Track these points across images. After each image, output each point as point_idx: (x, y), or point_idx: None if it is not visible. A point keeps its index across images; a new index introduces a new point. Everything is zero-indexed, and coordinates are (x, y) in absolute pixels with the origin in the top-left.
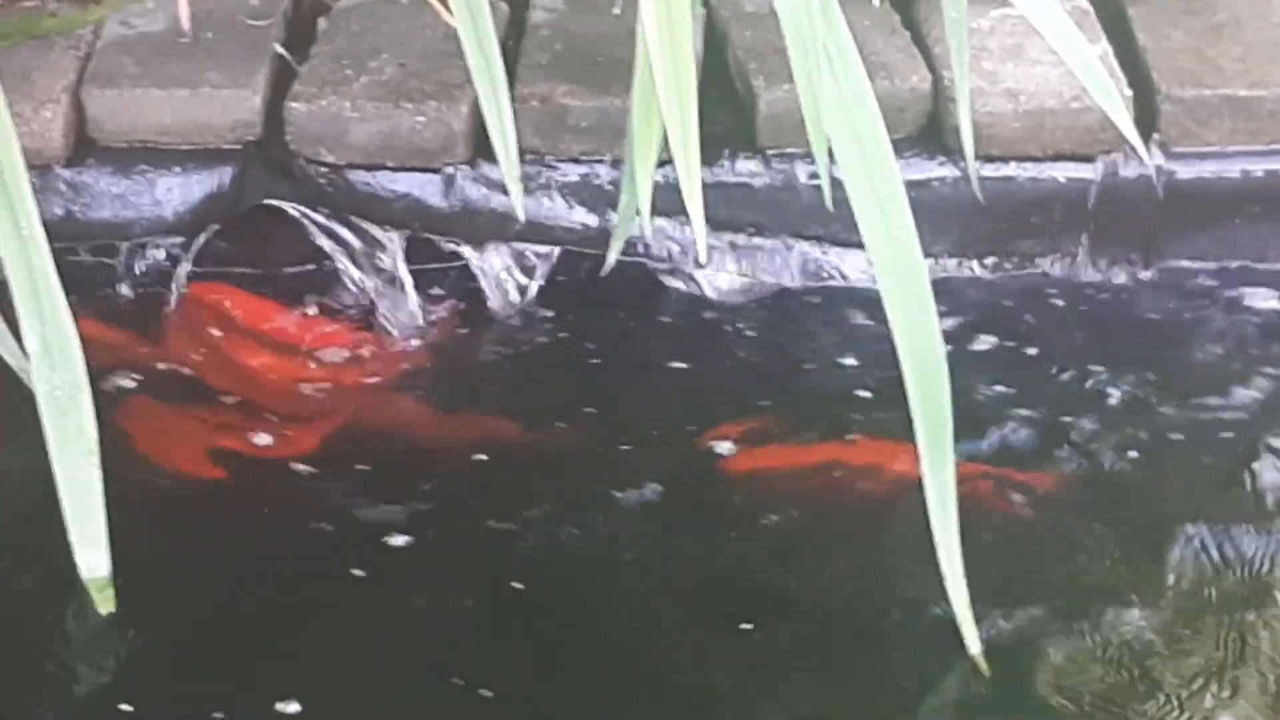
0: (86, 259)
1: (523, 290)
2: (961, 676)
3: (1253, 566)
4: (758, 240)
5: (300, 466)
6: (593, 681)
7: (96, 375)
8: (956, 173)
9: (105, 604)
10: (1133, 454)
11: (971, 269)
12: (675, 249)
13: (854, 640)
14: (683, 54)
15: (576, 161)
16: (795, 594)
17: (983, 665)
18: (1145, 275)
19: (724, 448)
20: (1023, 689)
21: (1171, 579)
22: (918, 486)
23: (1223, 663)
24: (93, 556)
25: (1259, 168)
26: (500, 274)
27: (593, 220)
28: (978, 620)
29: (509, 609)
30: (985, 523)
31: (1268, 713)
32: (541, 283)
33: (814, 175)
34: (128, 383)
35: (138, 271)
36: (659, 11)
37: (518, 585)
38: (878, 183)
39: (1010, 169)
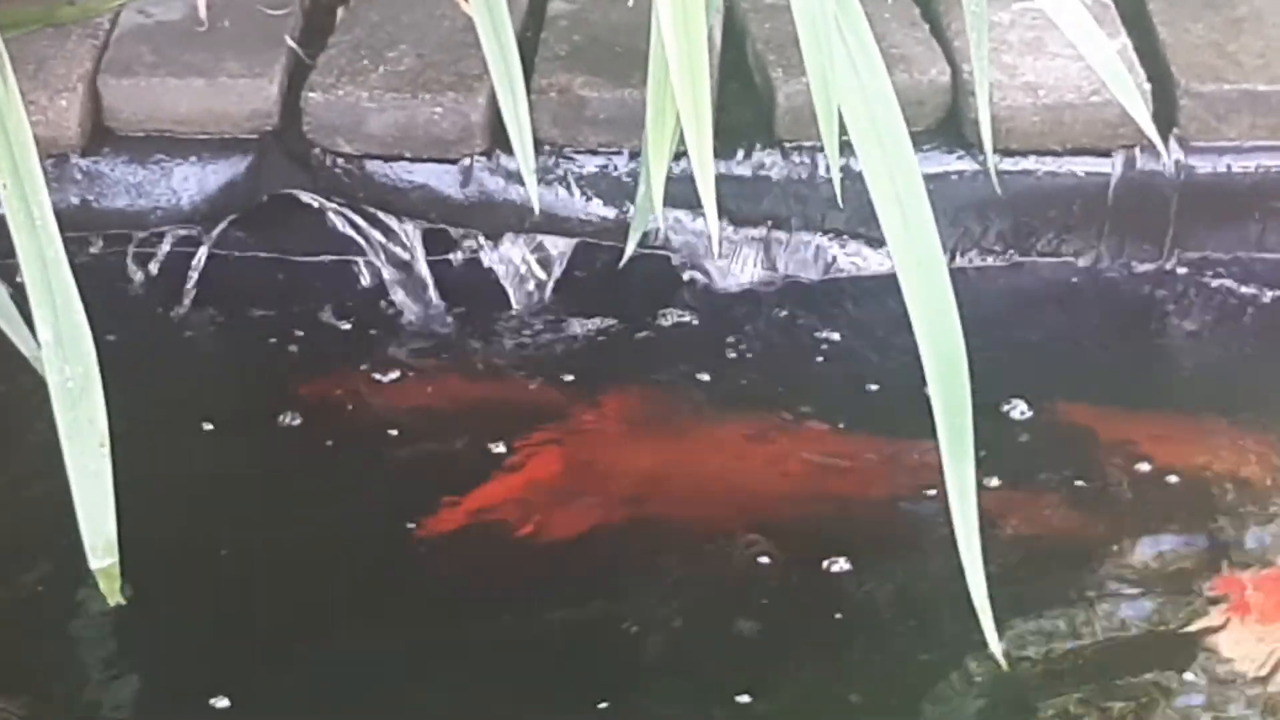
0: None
1: (539, 282)
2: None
3: None
4: (776, 234)
5: (321, 454)
6: (606, 678)
7: None
8: (975, 166)
9: (113, 595)
10: (1149, 449)
11: (989, 263)
12: (692, 241)
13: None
14: (697, 45)
15: (594, 153)
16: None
17: (1003, 662)
18: (1164, 270)
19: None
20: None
21: (1192, 577)
22: None
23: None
24: (102, 548)
25: (1277, 163)
26: (518, 265)
27: (610, 212)
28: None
29: (524, 600)
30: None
31: None
32: (559, 275)
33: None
34: None
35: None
36: (673, 1)
37: (537, 577)
38: (897, 176)
39: (1029, 163)
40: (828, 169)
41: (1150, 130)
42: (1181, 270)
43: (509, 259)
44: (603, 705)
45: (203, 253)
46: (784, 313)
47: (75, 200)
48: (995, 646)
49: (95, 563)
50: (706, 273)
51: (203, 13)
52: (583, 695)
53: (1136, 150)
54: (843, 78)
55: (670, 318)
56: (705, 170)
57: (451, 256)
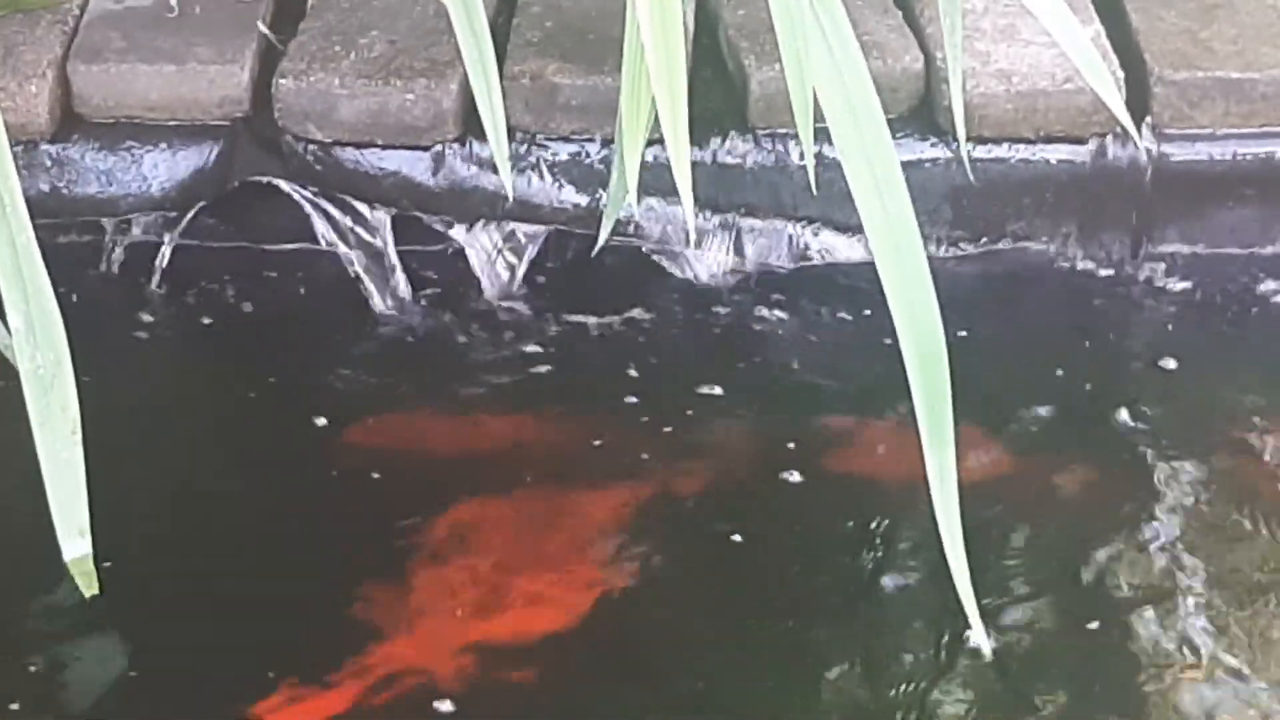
0: None
1: (512, 269)
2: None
3: (1257, 548)
4: (748, 221)
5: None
6: (589, 673)
7: None
8: (948, 154)
9: (88, 586)
10: (1121, 435)
11: (963, 250)
12: (665, 229)
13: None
14: (673, 30)
15: (567, 140)
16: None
17: (985, 648)
18: (1136, 258)
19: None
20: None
21: (1168, 560)
22: None
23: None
24: (75, 537)
25: (1251, 150)
26: (490, 253)
27: (583, 200)
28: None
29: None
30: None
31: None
32: (530, 262)
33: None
34: None
35: None
36: None
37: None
38: (874, 162)
39: (1002, 150)
40: (801, 156)
41: (1124, 118)
42: (1153, 257)
43: (481, 246)
44: None
45: (171, 239)
46: (757, 299)
47: (45, 187)
48: (980, 633)
49: (69, 552)
50: (679, 260)
51: None
52: None
53: (1109, 138)
54: (818, 64)
55: (642, 306)
56: (681, 157)
57: (422, 244)
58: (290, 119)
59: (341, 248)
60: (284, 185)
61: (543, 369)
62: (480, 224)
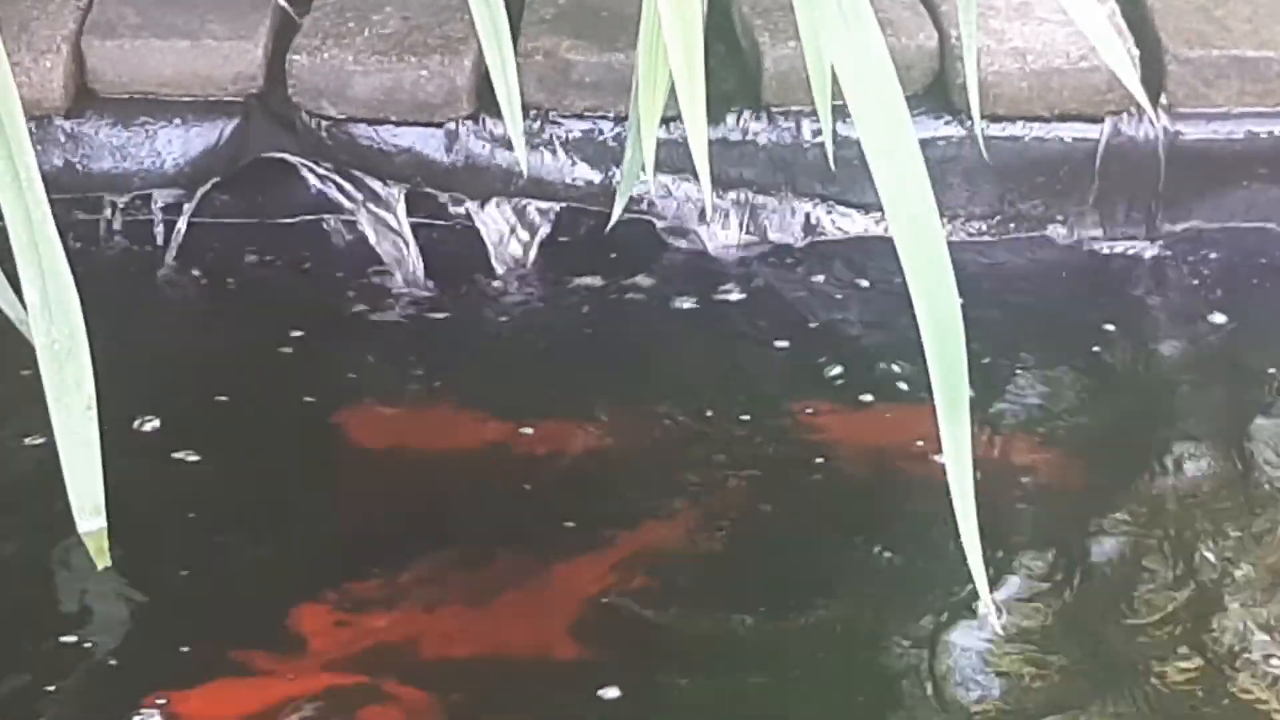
0: None
1: (525, 246)
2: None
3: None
4: (761, 198)
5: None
6: (598, 661)
7: None
8: (962, 132)
9: (101, 559)
10: (1137, 416)
11: (977, 229)
12: (678, 206)
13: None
14: (689, 8)
15: (580, 117)
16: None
17: (995, 623)
18: (1151, 236)
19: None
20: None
21: (1176, 538)
22: None
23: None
24: (90, 513)
25: (1266, 129)
26: (503, 230)
27: (596, 176)
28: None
29: (508, 575)
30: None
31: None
32: (544, 239)
33: (818, 133)
34: None
35: None
36: None
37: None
38: (893, 138)
39: (1017, 128)
40: (814, 133)
41: (1140, 96)
42: (1167, 235)
43: (494, 223)
44: None
45: (186, 215)
46: (771, 276)
47: (59, 162)
48: (989, 606)
49: (83, 526)
50: (692, 237)
51: None
52: None
53: (1124, 116)
54: (835, 39)
55: (656, 280)
56: (698, 134)
57: (435, 220)
58: (304, 95)
59: (355, 223)
60: (296, 160)
61: (555, 350)
62: (493, 201)
